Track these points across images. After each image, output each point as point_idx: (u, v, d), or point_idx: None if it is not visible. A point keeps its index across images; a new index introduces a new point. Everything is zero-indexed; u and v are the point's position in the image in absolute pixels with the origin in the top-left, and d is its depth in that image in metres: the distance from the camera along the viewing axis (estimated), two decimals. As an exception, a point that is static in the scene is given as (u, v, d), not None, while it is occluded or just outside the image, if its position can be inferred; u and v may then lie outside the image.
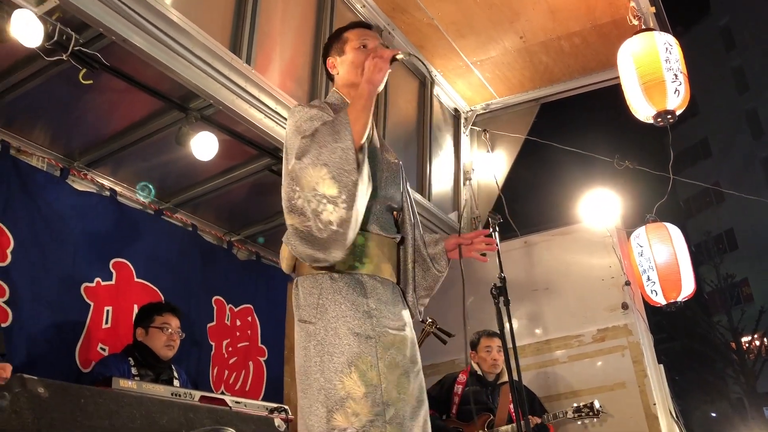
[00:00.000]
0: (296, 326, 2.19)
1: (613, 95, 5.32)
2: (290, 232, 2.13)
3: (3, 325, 3.27)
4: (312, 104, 2.33)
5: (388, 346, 2.10)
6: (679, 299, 4.72)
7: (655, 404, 4.57)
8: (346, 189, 2.01)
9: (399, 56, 2.28)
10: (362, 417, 1.98)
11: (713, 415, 23.06)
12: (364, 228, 2.19)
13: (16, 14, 2.69)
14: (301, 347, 2.14)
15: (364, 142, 2.11)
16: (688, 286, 4.70)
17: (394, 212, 2.42)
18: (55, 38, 2.89)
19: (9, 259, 3.39)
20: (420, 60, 2.48)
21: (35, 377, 1.36)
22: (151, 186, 4.15)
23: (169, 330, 3.57)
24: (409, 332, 2.24)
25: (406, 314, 2.28)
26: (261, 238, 5.14)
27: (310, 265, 2.15)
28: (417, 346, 2.28)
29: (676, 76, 3.95)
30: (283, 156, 2.25)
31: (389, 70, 2.22)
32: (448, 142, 6.00)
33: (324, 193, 2.01)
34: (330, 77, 2.52)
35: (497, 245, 2.54)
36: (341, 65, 2.42)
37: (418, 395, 2.17)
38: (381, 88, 2.24)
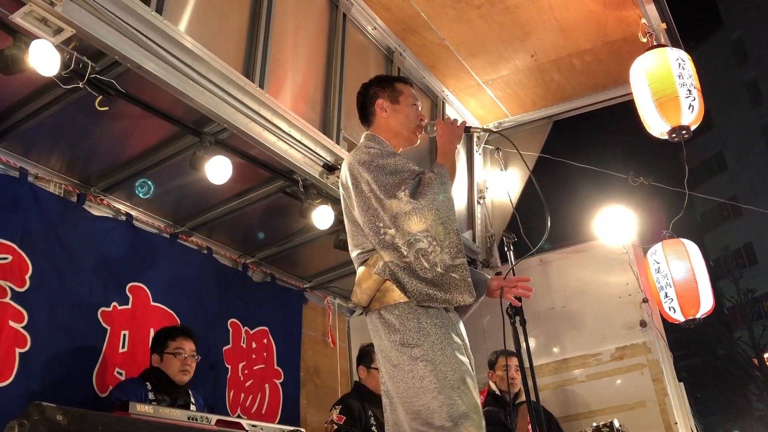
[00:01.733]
0: (393, 351, 2.26)
1: (626, 111, 5.30)
2: (392, 268, 2.27)
3: (21, 350, 3.30)
4: (372, 145, 2.51)
5: (471, 365, 2.31)
6: (698, 316, 4.65)
7: (676, 423, 4.50)
8: (449, 236, 2.26)
9: (473, 130, 2.85)
10: (482, 425, 2.17)
11: (737, 433, 22.64)
12: None
13: (34, 44, 2.74)
14: (406, 371, 2.22)
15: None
16: (706, 303, 4.63)
17: None
18: (72, 67, 2.94)
19: (27, 285, 3.42)
20: (507, 138, 2.83)
21: (54, 405, 1.36)
22: (150, 183, 4.11)
23: (184, 355, 3.56)
24: None
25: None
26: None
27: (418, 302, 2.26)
28: None
29: (689, 91, 3.94)
30: (354, 193, 2.38)
31: None
32: (461, 160, 6.00)
33: (434, 236, 2.24)
34: (367, 114, 2.65)
35: (511, 263, 2.63)
36: (393, 113, 2.61)
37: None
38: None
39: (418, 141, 2.67)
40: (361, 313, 5.99)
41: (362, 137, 2.65)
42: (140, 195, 4.10)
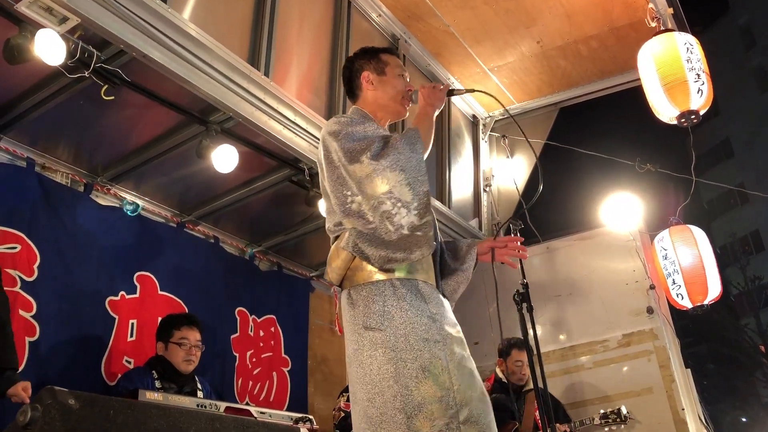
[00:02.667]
0: (354, 334, 2.18)
1: (632, 98, 5.27)
2: (354, 237, 2.18)
3: (31, 339, 3.32)
4: (345, 115, 2.42)
5: (455, 347, 2.15)
6: (706, 302, 4.65)
7: (683, 409, 4.50)
8: (419, 197, 2.12)
9: (456, 91, 2.58)
10: (439, 421, 2.01)
11: (744, 420, 22.65)
12: None
13: (40, 34, 2.74)
14: (366, 356, 2.13)
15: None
16: (714, 289, 4.63)
17: None
18: (77, 56, 2.95)
19: (36, 275, 3.44)
20: (485, 92, 2.66)
21: (66, 389, 1.37)
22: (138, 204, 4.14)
23: (188, 345, 3.56)
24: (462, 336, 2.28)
25: (455, 319, 2.33)
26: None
27: (378, 270, 2.17)
28: None
29: (698, 75, 3.91)
30: (325, 164, 2.28)
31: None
32: (467, 148, 5.99)
33: (399, 197, 2.11)
34: (353, 88, 2.56)
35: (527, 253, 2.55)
36: (380, 84, 2.50)
37: (483, 389, 2.20)
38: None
39: (407, 113, 2.55)
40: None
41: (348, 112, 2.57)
42: (128, 213, 4.09)
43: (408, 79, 2.55)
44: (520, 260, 2.66)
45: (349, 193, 2.18)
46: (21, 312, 3.31)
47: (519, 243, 2.48)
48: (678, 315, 5.09)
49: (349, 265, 2.23)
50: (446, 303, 2.31)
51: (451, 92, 2.51)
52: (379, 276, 2.17)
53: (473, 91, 2.70)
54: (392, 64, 2.54)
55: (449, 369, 2.08)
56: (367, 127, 2.30)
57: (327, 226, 2.37)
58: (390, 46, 2.77)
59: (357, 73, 2.54)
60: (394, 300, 2.14)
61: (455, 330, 2.21)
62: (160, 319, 3.85)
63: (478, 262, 2.49)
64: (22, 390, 2.75)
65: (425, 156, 2.25)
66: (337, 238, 2.30)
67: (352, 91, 2.57)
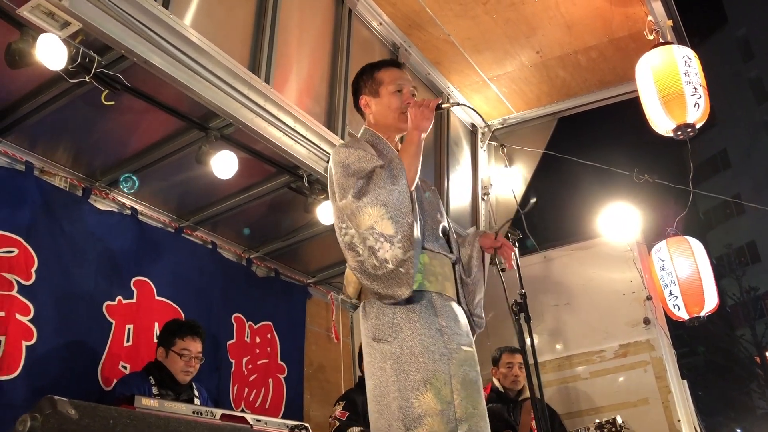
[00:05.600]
0: (368, 347, 2.23)
1: (631, 109, 5.29)
2: (353, 268, 2.24)
3: (28, 343, 3.31)
4: (350, 144, 2.45)
5: (461, 363, 2.17)
6: (702, 314, 4.66)
7: (679, 420, 4.50)
8: (402, 230, 2.13)
9: (444, 105, 2.43)
10: None
11: (738, 431, 22.63)
12: (428, 248, 2.30)
13: (42, 38, 2.74)
14: (376, 367, 2.18)
15: (414, 187, 2.24)
16: (711, 300, 4.64)
17: (446, 236, 2.51)
18: (78, 61, 2.94)
19: (33, 278, 3.43)
20: (468, 107, 2.61)
21: (65, 399, 1.37)
22: (134, 178, 4.04)
23: (189, 356, 3.54)
24: (474, 351, 2.30)
25: (471, 334, 2.35)
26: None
27: None
28: None
29: (695, 89, 3.93)
30: (330, 194, 2.35)
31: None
32: (465, 157, 6.00)
33: (381, 232, 2.14)
34: (359, 109, 2.62)
35: (515, 261, 2.56)
36: (376, 106, 2.53)
37: (485, 410, 2.21)
38: (425, 135, 2.38)
39: (429, 126, 2.46)
40: (364, 308, 6.03)
41: None
42: (125, 189, 4.06)
43: (407, 90, 2.52)
44: (518, 269, 2.66)
45: (343, 225, 2.25)
46: (18, 316, 3.29)
47: (512, 252, 2.51)
48: (673, 326, 5.10)
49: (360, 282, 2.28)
50: (461, 316, 2.33)
51: (438, 107, 2.41)
52: None
53: (458, 104, 2.69)
54: (386, 81, 2.53)
55: (451, 383, 2.10)
56: (362, 159, 2.30)
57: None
58: (389, 58, 2.74)
59: (357, 97, 2.61)
60: (403, 312, 2.18)
61: (466, 345, 2.23)
62: (157, 324, 3.85)
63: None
64: None
65: (414, 184, 2.25)
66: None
67: (360, 112, 2.63)
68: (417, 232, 2.17)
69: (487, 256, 2.57)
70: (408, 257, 2.11)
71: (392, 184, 2.18)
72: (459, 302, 2.40)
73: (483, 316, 2.51)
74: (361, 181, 2.22)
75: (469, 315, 2.43)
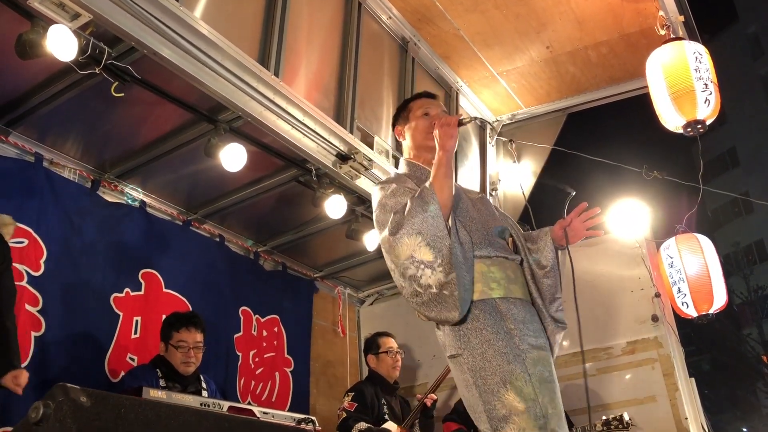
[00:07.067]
0: (450, 365, 2.30)
1: (640, 105, 5.26)
2: (407, 301, 2.30)
3: (36, 333, 3.33)
4: (389, 179, 2.53)
5: (536, 362, 2.20)
6: (711, 311, 4.63)
7: (686, 419, 4.47)
8: (441, 253, 2.18)
9: (465, 121, 2.48)
10: (528, 431, 2.07)
11: (745, 430, 22.58)
12: (483, 255, 2.33)
13: (52, 29, 2.75)
14: (461, 381, 2.25)
15: (451, 206, 2.29)
16: (720, 298, 4.61)
17: (507, 239, 2.52)
18: (89, 52, 2.94)
19: (42, 269, 3.45)
20: (479, 121, 2.63)
21: (77, 386, 1.38)
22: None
23: (186, 347, 3.54)
24: (549, 353, 2.33)
25: (544, 333, 2.37)
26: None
27: None
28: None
29: (706, 85, 3.90)
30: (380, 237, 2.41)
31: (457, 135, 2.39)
32: (474, 152, 5.99)
33: (421, 260, 2.20)
34: (398, 145, 2.74)
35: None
36: (408, 131, 2.64)
37: (563, 412, 2.25)
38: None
39: (455, 144, 2.51)
40: (371, 304, 6.04)
41: None
42: (130, 202, 4.10)
43: (435, 113, 2.59)
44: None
45: (388, 261, 2.33)
46: (27, 306, 3.32)
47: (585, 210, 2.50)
48: (680, 324, 5.08)
49: None
50: (531, 317, 2.34)
51: (460, 123, 2.44)
52: None
53: (474, 119, 2.70)
54: (415, 108, 2.65)
55: (532, 381, 2.14)
56: (397, 194, 2.37)
57: None
58: (421, 92, 2.80)
59: (395, 132, 2.73)
60: (469, 323, 2.22)
61: (537, 345, 2.25)
62: (165, 316, 3.86)
63: (561, 248, 2.53)
64: (12, 379, 2.75)
65: (450, 205, 2.28)
66: None
67: (401, 149, 2.73)
68: (458, 254, 2.20)
69: (562, 254, 2.57)
70: (450, 279, 2.15)
71: (423, 212, 2.23)
72: (533, 303, 2.41)
73: (564, 320, 2.49)
74: (397, 216, 2.28)
75: (548, 317, 2.42)
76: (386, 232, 2.29)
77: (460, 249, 2.24)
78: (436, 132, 2.39)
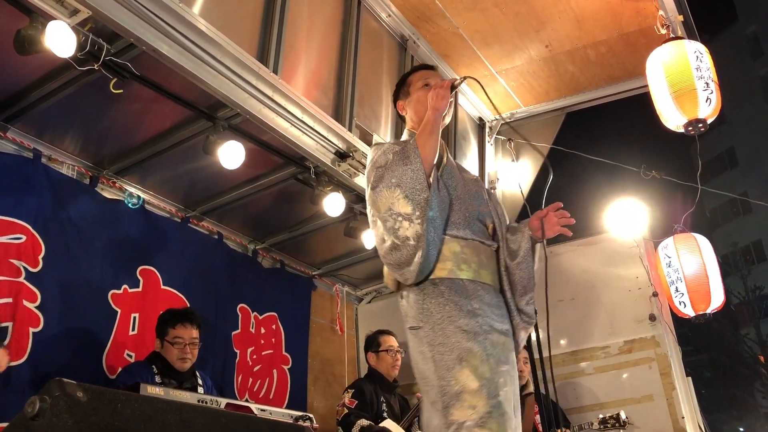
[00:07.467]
0: (408, 336, 2.28)
1: (639, 104, 5.26)
2: (381, 256, 2.30)
3: (34, 329, 3.33)
4: (387, 142, 2.56)
5: (495, 344, 2.18)
6: (709, 311, 4.64)
7: (683, 418, 4.48)
8: (420, 206, 2.18)
9: (457, 82, 2.46)
10: (480, 409, 2.04)
11: (742, 429, 22.62)
12: (459, 236, 2.32)
13: (51, 25, 2.74)
14: (417, 353, 2.23)
15: (434, 163, 2.28)
16: (717, 298, 4.62)
17: (488, 224, 2.49)
18: (87, 48, 2.94)
19: (41, 265, 3.44)
20: (474, 79, 2.57)
21: (74, 381, 1.38)
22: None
23: (182, 344, 3.55)
24: (511, 341, 2.31)
25: (508, 322, 2.34)
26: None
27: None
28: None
29: (707, 84, 3.90)
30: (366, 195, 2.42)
31: (452, 99, 2.41)
32: (472, 151, 5.99)
33: (399, 212, 2.20)
34: (402, 119, 2.71)
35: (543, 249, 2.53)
36: (408, 105, 2.63)
37: (515, 402, 2.21)
38: (449, 119, 2.47)
39: (446, 105, 2.50)
40: (369, 302, 6.04)
41: None
42: (129, 206, 4.10)
43: (435, 83, 2.54)
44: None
45: (370, 215, 2.34)
46: (25, 302, 3.31)
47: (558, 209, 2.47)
48: (678, 323, 5.08)
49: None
50: (498, 302, 2.32)
51: (453, 87, 2.45)
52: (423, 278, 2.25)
53: (471, 78, 2.64)
54: (414, 80, 2.64)
55: (489, 361, 2.11)
56: (387, 151, 2.36)
57: None
58: (419, 65, 2.80)
59: (396, 107, 2.72)
60: (433, 297, 2.22)
61: (501, 330, 2.24)
62: (160, 314, 3.86)
63: (537, 240, 2.48)
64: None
65: (432, 161, 2.27)
66: None
67: (404, 121, 2.71)
68: (435, 207, 2.21)
69: (538, 247, 2.52)
70: (425, 230, 2.17)
71: (404, 165, 2.24)
72: (502, 291, 2.40)
73: (533, 314, 2.46)
74: (380, 170, 2.30)
75: (515, 309, 2.40)
76: (370, 187, 2.32)
77: (438, 203, 2.24)
78: (429, 93, 2.39)
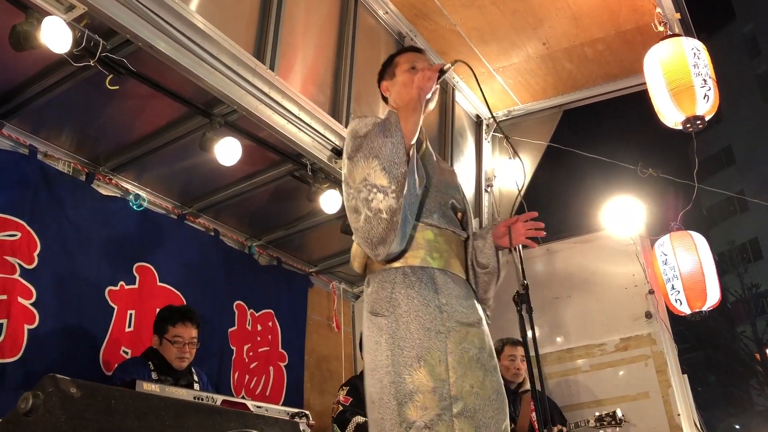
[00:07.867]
0: (366, 320, 2.23)
1: (636, 102, 5.27)
2: (354, 232, 2.23)
3: (30, 326, 3.32)
4: (369, 116, 2.43)
5: (459, 341, 2.14)
6: (705, 309, 4.65)
7: (679, 415, 4.50)
8: (396, 180, 2.11)
9: (446, 67, 2.38)
10: (430, 411, 2.02)
11: (737, 427, 22.68)
12: (434, 224, 2.29)
13: (47, 21, 2.73)
14: (372, 341, 2.18)
15: (413, 142, 2.21)
16: (713, 296, 4.63)
17: (458, 213, 2.47)
18: (83, 44, 2.93)
19: (36, 262, 3.43)
20: (464, 63, 2.48)
21: (67, 377, 1.37)
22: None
23: (181, 342, 3.53)
24: (485, 327, 2.28)
25: (479, 309, 2.32)
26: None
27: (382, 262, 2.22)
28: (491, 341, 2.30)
29: (704, 81, 3.91)
30: (343, 165, 2.34)
31: (437, 86, 2.35)
32: (469, 148, 5.98)
33: (375, 183, 2.13)
34: (385, 100, 2.62)
35: (519, 251, 2.51)
36: (393, 87, 2.54)
37: (498, 389, 2.19)
38: (433, 105, 2.40)
39: (432, 87, 2.43)
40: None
41: None
42: (134, 208, 4.10)
43: (422, 66, 2.47)
44: (521, 261, 2.63)
45: (345, 187, 2.26)
46: (20, 299, 3.30)
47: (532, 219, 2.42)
48: (674, 321, 5.10)
49: (365, 255, 2.29)
50: (467, 293, 2.30)
51: (441, 71, 2.37)
52: (393, 263, 2.21)
53: (461, 61, 2.56)
54: (401, 62, 2.55)
55: (447, 361, 2.09)
56: (367, 124, 2.30)
57: None
58: (405, 47, 2.73)
59: (380, 88, 2.62)
60: (402, 287, 2.17)
61: (469, 322, 2.20)
62: (158, 310, 3.85)
63: (502, 249, 2.45)
64: None
65: (412, 138, 2.20)
66: None
67: (386, 101, 2.62)
68: (412, 184, 2.14)
69: (500, 255, 2.49)
70: (400, 205, 2.10)
71: (384, 137, 2.17)
72: (468, 280, 2.37)
73: (491, 305, 2.48)
74: (358, 140, 2.24)
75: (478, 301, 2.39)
76: (347, 156, 2.25)
77: (415, 181, 2.18)
78: (417, 74, 2.33)
